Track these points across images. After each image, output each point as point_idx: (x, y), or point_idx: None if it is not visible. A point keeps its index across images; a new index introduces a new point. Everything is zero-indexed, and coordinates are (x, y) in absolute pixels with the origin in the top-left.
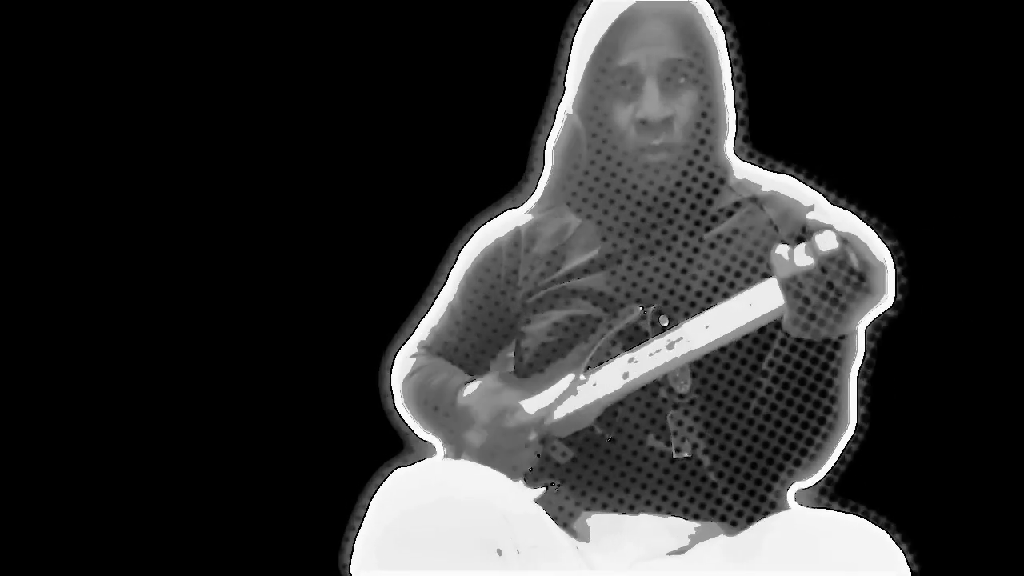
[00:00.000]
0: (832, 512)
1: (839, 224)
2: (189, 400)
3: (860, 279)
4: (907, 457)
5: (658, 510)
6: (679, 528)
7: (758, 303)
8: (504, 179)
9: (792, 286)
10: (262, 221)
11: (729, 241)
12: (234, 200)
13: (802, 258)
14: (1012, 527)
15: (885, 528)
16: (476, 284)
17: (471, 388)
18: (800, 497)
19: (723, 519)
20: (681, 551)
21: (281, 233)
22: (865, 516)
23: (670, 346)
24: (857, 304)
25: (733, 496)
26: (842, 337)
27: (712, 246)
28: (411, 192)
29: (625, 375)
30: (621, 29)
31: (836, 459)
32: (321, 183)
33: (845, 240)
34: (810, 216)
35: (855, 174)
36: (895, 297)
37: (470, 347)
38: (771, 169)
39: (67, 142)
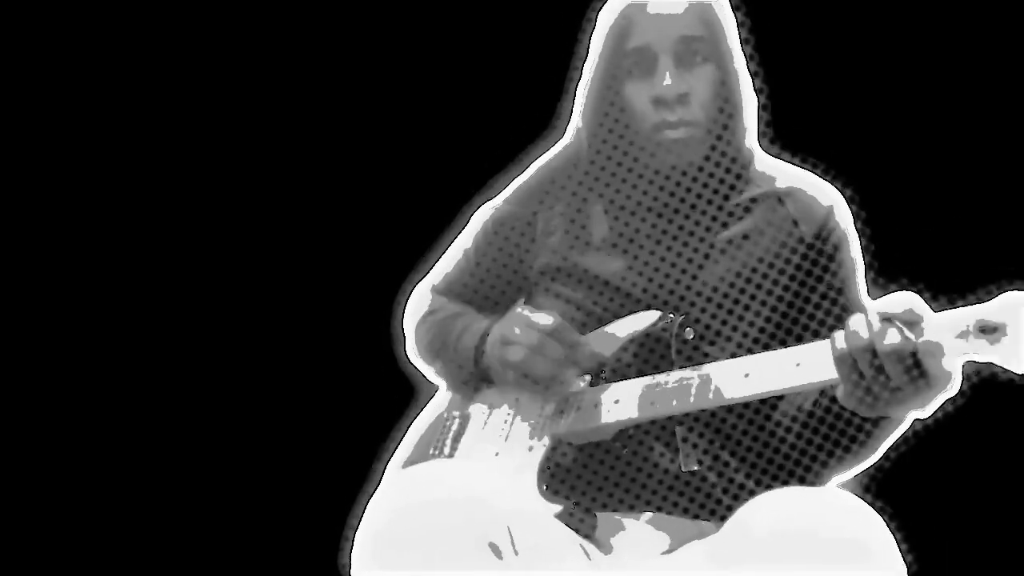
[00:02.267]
0: (826, 494)
1: (911, 320)
2: (191, 389)
3: (921, 375)
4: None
5: (659, 510)
6: (680, 527)
7: (808, 368)
8: (519, 144)
9: (847, 360)
10: (268, 184)
11: (746, 238)
12: (244, 163)
13: (857, 339)
14: (1005, 520)
15: (880, 513)
16: (493, 236)
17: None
18: None
19: (723, 519)
20: (673, 549)
21: (287, 200)
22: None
23: (703, 384)
24: (913, 395)
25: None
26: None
27: (730, 243)
28: (424, 157)
29: (651, 403)
30: (633, 13)
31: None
32: (333, 145)
33: (915, 347)
34: (880, 306)
35: (868, 168)
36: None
37: (483, 298)
38: (791, 162)
39: (50, 138)
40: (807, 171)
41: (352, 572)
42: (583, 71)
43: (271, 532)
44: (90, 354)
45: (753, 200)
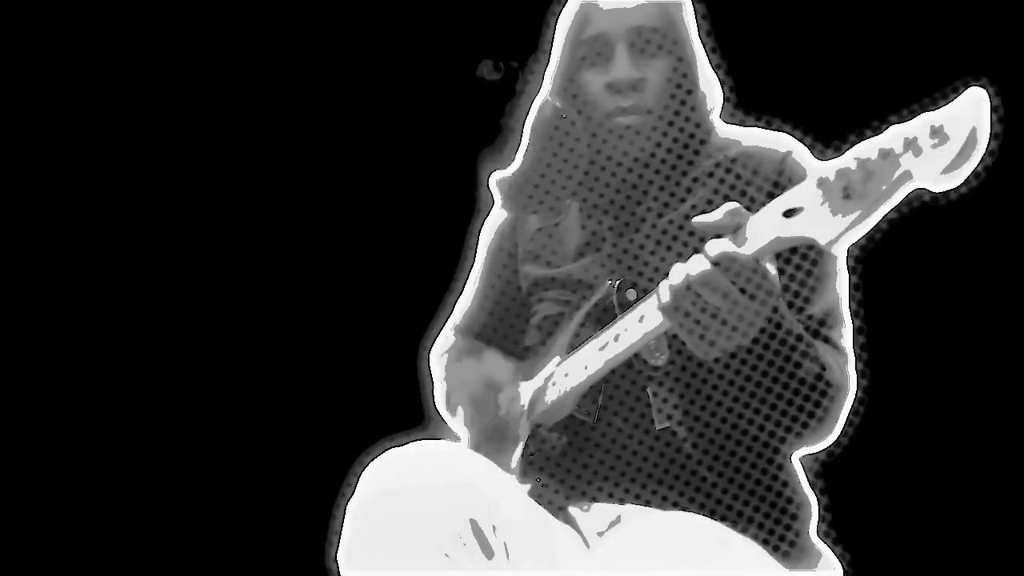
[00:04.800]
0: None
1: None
2: (181, 387)
3: (743, 291)
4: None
5: (648, 503)
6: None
7: (648, 321)
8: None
9: (670, 307)
10: (287, 222)
11: (710, 203)
12: (263, 199)
13: (676, 275)
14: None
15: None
16: (490, 265)
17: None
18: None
19: (705, 495)
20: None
21: (301, 233)
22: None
23: (616, 339)
24: (743, 312)
25: (717, 473)
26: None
27: (694, 208)
28: (434, 183)
29: (584, 367)
30: (590, 7)
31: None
32: (343, 182)
33: (717, 262)
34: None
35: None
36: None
37: (497, 322)
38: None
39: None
40: (768, 130)
41: (342, 571)
42: (545, 69)
43: (263, 533)
44: (71, 358)
45: (713, 168)
